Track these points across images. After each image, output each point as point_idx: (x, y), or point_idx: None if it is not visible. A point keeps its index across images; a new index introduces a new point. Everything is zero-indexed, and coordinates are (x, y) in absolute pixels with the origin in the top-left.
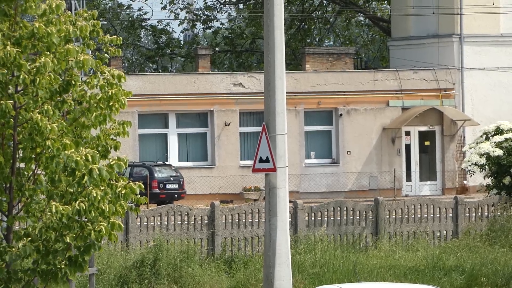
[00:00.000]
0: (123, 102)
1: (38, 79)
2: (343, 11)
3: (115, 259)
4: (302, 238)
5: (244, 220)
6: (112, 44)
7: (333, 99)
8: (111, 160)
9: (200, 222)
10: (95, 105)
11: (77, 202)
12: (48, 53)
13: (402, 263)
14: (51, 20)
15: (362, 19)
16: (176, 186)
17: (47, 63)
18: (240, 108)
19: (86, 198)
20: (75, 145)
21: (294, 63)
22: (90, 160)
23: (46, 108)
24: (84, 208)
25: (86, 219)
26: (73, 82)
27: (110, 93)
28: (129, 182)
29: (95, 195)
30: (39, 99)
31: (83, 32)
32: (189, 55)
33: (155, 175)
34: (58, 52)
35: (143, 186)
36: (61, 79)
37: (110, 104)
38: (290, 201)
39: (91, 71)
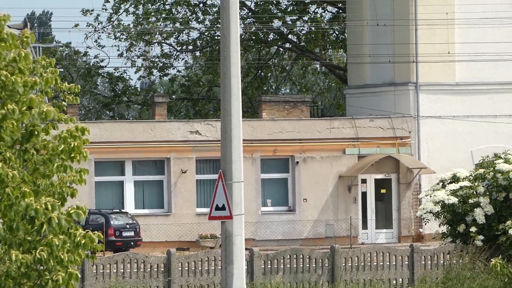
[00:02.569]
0: (85, 154)
1: (4, 125)
2: (299, 59)
3: None
4: (259, 286)
5: (200, 268)
6: (70, 92)
7: (289, 146)
8: (69, 208)
9: (156, 269)
10: (57, 156)
11: (37, 251)
12: (10, 101)
13: None
14: (17, 70)
15: (318, 67)
16: (132, 233)
17: (15, 110)
18: (197, 156)
19: (46, 247)
20: (35, 194)
21: (251, 110)
22: (50, 208)
23: (8, 156)
24: (45, 257)
25: (43, 268)
26: (36, 132)
27: (72, 145)
28: (88, 231)
29: (55, 244)
30: (1, 146)
31: (48, 84)
32: (145, 103)
33: (112, 222)
34: (21, 101)
35: (102, 236)
36: (23, 129)
37: (72, 155)
38: (246, 249)
39: (51, 121)
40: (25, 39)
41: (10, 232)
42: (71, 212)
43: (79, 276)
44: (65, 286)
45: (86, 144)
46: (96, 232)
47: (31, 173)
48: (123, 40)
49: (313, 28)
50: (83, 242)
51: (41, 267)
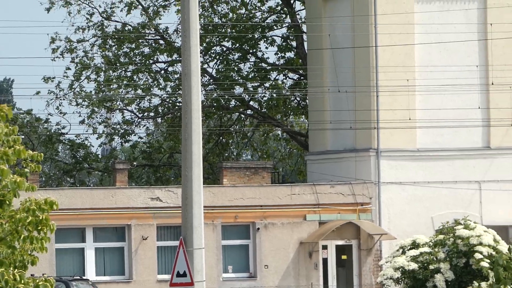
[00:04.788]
0: (52, 227)
1: None
2: (261, 125)
3: None
4: None
5: None
6: (33, 160)
7: (250, 213)
8: (38, 280)
9: None
10: (24, 227)
11: None
12: None
13: None
14: None
15: (280, 133)
16: None
17: None
18: (158, 222)
19: None
20: (0, 265)
21: (212, 177)
22: (18, 279)
23: None
24: None
25: None
26: (7, 202)
27: (40, 218)
28: None
29: None
30: None
31: (21, 155)
32: (107, 169)
33: None
34: None
35: None
36: None
37: (39, 228)
38: None
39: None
40: (1, 113)
41: None
42: (39, 284)
43: None
44: None
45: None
46: None
47: None
48: (84, 106)
49: (274, 95)
50: None
51: None
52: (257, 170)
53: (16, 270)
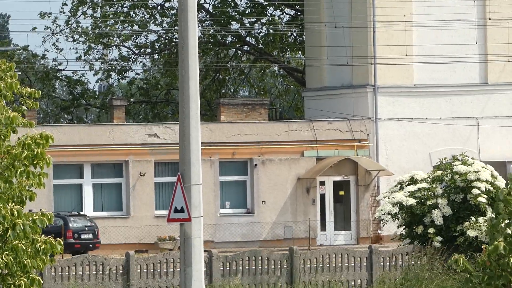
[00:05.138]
0: (48, 161)
1: None
2: (257, 61)
3: None
4: None
5: (159, 270)
6: (30, 97)
7: (248, 149)
8: (35, 215)
9: (115, 272)
10: (20, 162)
11: (3, 255)
12: None
13: None
14: None
15: (276, 69)
16: (91, 236)
17: None
18: (155, 159)
19: (11, 252)
20: None
21: (209, 113)
22: (16, 214)
23: None
24: (12, 261)
25: (5, 273)
26: (1, 137)
27: (36, 152)
28: (49, 237)
29: (20, 249)
30: None
31: (12, 89)
32: (104, 106)
33: (70, 225)
34: None
35: (62, 243)
36: None
37: (35, 162)
38: (205, 251)
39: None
40: None
41: None
42: (35, 218)
43: (41, 281)
44: None
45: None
46: (57, 239)
47: None
48: (81, 43)
49: (271, 31)
50: (43, 248)
51: (3, 272)
52: (255, 107)
53: (14, 205)
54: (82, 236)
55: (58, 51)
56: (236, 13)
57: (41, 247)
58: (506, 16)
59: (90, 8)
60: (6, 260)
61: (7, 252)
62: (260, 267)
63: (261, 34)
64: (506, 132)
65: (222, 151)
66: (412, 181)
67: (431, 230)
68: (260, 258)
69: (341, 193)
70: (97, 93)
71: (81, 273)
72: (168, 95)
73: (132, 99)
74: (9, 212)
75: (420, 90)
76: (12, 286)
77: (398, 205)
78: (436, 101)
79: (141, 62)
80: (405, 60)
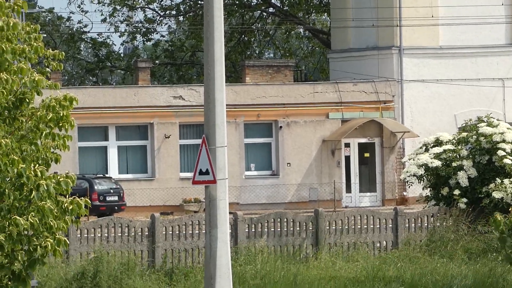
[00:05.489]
0: (72, 123)
1: None
2: (282, 23)
3: (55, 271)
4: (243, 250)
5: (184, 232)
6: (54, 58)
7: (273, 111)
8: (59, 176)
9: (140, 234)
10: (45, 124)
11: (29, 216)
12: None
13: (343, 274)
14: (7, 38)
15: (302, 31)
16: (116, 198)
17: (8, 80)
18: (180, 121)
19: (37, 213)
20: (22, 161)
21: (234, 75)
22: (39, 175)
23: None
24: (37, 223)
25: (31, 234)
26: (26, 100)
27: (61, 115)
28: (75, 197)
29: (46, 209)
30: None
31: (37, 52)
32: (129, 68)
33: (95, 187)
34: (11, 70)
35: (89, 202)
36: (12, 96)
37: (60, 124)
38: (230, 213)
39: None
40: (16, 7)
41: None
42: (60, 180)
43: (68, 242)
44: (53, 252)
45: (70, 109)
46: (83, 198)
47: (18, 140)
48: (106, 5)
49: None
50: (70, 208)
51: (29, 233)
52: (280, 68)
53: (38, 167)
54: (108, 199)
55: (83, 13)
56: None
57: (69, 208)
58: None
59: None
60: (32, 221)
61: (32, 213)
62: (285, 229)
63: None
64: None
65: (247, 113)
66: (437, 142)
67: (457, 192)
68: (285, 220)
69: (366, 155)
70: (122, 55)
71: (106, 235)
72: (193, 57)
73: (157, 61)
74: (33, 173)
75: (446, 51)
76: (38, 247)
77: (423, 166)
78: (461, 63)
79: (166, 24)
80: (430, 21)
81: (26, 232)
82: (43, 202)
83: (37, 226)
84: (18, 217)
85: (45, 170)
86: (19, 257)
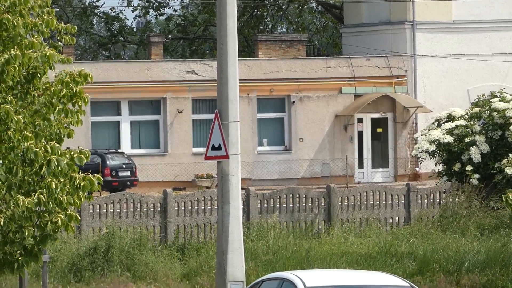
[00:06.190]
0: (86, 100)
1: (6, 70)
2: None
3: (67, 246)
4: (255, 225)
5: (196, 207)
6: (66, 32)
7: (285, 86)
8: (73, 152)
9: (152, 209)
10: (58, 100)
11: (37, 193)
12: (12, 44)
13: (355, 249)
14: (19, 12)
15: (314, 5)
16: (128, 173)
17: (18, 56)
18: (193, 96)
19: (45, 189)
20: (35, 137)
21: (247, 50)
22: (50, 151)
23: (9, 99)
24: (44, 199)
25: (43, 210)
26: (38, 75)
27: (74, 91)
28: (87, 174)
29: (54, 186)
30: (2, 89)
31: (49, 26)
32: (142, 43)
33: (108, 162)
34: (23, 44)
35: (101, 179)
36: (24, 71)
37: (73, 100)
38: (242, 188)
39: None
40: None
41: (9, 174)
42: (74, 156)
43: (79, 218)
44: (64, 228)
45: (84, 85)
46: (95, 174)
47: (31, 115)
48: None
49: None
50: (82, 184)
51: (40, 209)
52: (292, 43)
53: (50, 142)
54: (120, 174)
55: None
56: None
57: (80, 184)
58: None
59: None
60: (38, 200)
61: (41, 190)
62: (297, 205)
63: None
64: None
65: (260, 88)
66: (450, 118)
67: (469, 168)
68: (297, 195)
69: (379, 130)
70: (134, 29)
71: (118, 210)
72: (206, 32)
73: (170, 36)
74: (43, 149)
75: (459, 26)
76: (49, 222)
77: (435, 142)
78: (474, 37)
79: None
80: None
81: (37, 208)
82: (50, 179)
83: (45, 202)
84: (21, 197)
85: (58, 146)
86: (26, 233)
